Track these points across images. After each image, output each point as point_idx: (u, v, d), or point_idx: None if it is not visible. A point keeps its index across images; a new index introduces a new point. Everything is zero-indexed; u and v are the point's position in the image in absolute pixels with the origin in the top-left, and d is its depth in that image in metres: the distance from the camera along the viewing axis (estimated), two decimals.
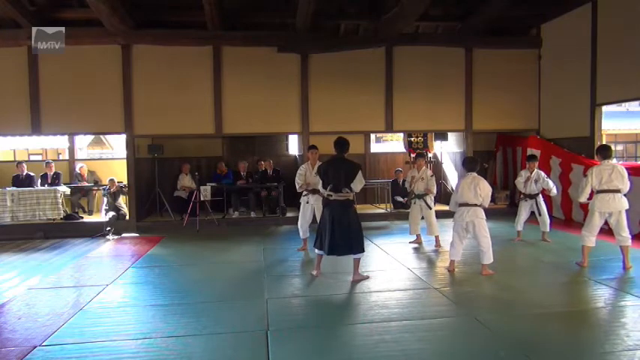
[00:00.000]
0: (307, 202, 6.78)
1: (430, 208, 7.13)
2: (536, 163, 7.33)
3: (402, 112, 10.01)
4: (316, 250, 5.59)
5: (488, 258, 5.55)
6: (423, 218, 7.31)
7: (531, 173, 7.23)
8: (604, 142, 11.53)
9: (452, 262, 5.78)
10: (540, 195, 7.28)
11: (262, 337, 3.83)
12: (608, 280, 5.19)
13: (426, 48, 9.92)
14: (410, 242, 7.41)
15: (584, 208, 8.54)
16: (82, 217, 9.74)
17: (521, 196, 7.51)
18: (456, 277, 5.54)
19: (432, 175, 7.28)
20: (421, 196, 7.19)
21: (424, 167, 7.42)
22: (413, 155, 11.19)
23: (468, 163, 5.78)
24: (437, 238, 7.15)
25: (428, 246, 7.19)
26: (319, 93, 9.74)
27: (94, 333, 4.01)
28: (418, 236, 7.39)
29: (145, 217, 9.94)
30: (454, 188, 5.93)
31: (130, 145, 9.43)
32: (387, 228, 9.20)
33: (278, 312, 4.42)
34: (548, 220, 7.25)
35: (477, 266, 5.76)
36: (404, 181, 10.62)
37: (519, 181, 7.38)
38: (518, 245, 7.19)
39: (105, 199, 9.63)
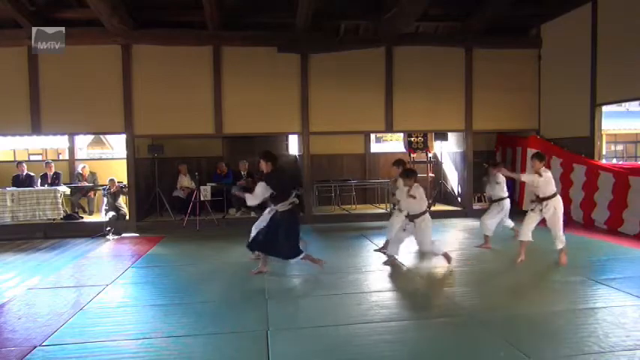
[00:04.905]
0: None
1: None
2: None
3: (402, 112, 10.00)
4: (264, 254, 5.72)
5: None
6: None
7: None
8: (604, 142, 11.48)
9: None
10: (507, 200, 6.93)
11: (262, 337, 3.82)
12: (608, 280, 5.19)
13: (426, 48, 9.91)
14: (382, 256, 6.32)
15: (584, 207, 8.56)
16: (82, 217, 9.75)
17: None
18: (456, 277, 5.54)
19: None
20: (414, 218, 5.72)
21: (415, 184, 5.72)
22: (413, 155, 11.21)
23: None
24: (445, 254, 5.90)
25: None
26: (319, 93, 9.74)
27: (94, 333, 4.01)
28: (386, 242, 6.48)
29: (145, 217, 9.94)
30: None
31: (130, 145, 9.42)
32: (387, 228, 9.16)
33: (278, 312, 4.42)
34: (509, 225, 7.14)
35: (477, 266, 5.77)
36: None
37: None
38: (517, 246, 7.16)
39: (105, 199, 9.63)
